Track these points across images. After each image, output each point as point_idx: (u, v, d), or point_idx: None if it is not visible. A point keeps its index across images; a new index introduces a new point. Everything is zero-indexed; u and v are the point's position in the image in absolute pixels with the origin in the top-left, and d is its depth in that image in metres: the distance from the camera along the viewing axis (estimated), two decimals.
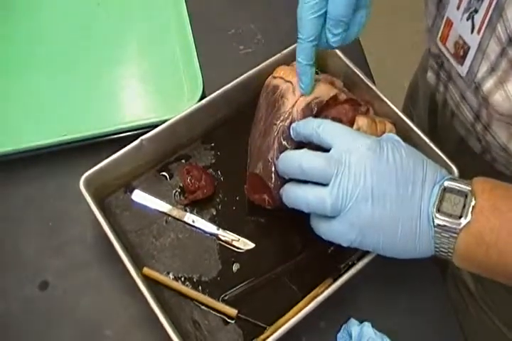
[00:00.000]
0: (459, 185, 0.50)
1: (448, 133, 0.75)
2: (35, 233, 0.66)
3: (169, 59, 0.75)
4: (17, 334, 0.61)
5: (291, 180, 0.55)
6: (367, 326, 0.59)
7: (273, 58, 0.66)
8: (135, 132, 0.67)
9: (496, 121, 0.56)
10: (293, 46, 0.66)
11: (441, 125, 0.80)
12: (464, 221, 0.48)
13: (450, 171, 0.60)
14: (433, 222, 0.49)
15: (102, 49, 0.76)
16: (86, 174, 0.61)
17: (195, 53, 0.71)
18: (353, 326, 0.59)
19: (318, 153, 0.52)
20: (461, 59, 0.54)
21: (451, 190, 0.49)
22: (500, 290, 0.76)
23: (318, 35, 0.55)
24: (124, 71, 0.75)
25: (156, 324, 0.55)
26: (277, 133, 0.58)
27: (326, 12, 0.54)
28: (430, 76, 0.64)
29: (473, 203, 0.48)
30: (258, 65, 0.66)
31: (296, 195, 0.53)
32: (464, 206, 0.48)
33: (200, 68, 0.70)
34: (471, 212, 0.48)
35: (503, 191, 0.50)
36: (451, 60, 0.56)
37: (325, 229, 0.52)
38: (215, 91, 0.65)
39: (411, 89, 0.95)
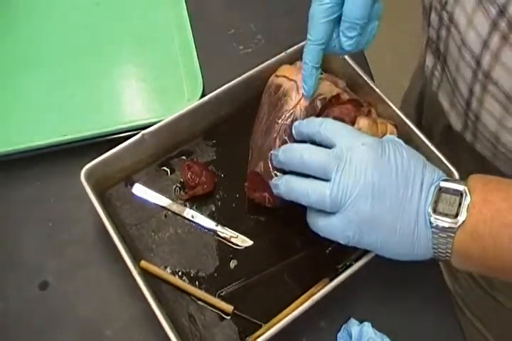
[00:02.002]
0: (454, 184, 0.50)
1: (432, 123, 0.75)
2: (35, 233, 0.66)
3: (169, 59, 0.75)
4: (17, 334, 0.61)
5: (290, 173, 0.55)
6: (367, 326, 0.59)
7: (277, 57, 0.66)
8: (135, 132, 0.66)
9: (500, 68, 0.54)
10: (297, 46, 0.66)
11: (426, 115, 0.80)
12: (460, 219, 0.48)
13: (451, 175, 0.60)
14: (430, 222, 0.49)
15: (102, 49, 0.76)
16: (87, 166, 0.61)
17: (195, 53, 0.71)
18: (353, 326, 0.59)
19: (321, 148, 0.52)
20: None
21: (447, 190, 0.50)
22: (475, 289, 0.77)
23: (327, 40, 0.55)
24: (124, 71, 0.75)
25: (155, 323, 0.55)
26: (279, 131, 0.58)
27: (339, 16, 0.53)
28: (434, 18, 0.63)
29: (468, 201, 0.48)
30: (259, 64, 0.66)
31: (296, 188, 0.53)
32: (460, 205, 0.49)
33: (200, 68, 0.70)
34: (467, 209, 0.48)
35: (495, 184, 0.50)
36: None
37: (323, 225, 0.52)
38: (216, 90, 0.65)
39: (405, 98, 0.95)
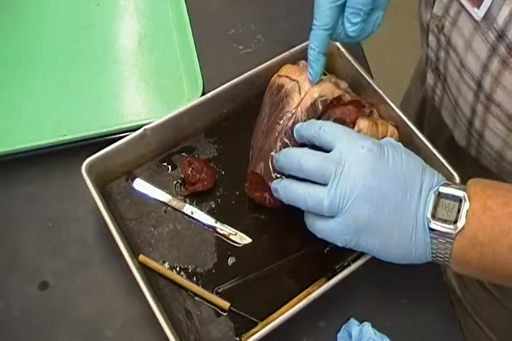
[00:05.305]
0: (453, 189, 0.49)
1: (435, 134, 0.75)
2: (35, 233, 0.66)
3: (169, 59, 0.75)
4: (17, 334, 0.61)
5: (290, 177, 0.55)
6: (367, 326, 0.59)
7: (281, 56, 0.66)
8: None
9: (501, 91, 0.54)
10: (301, 45, 0.66)
11: (428, 126, 0.80)
12: (459, 225, 0.48)
13: (451, 178, 0.60)
14: (429, 228, 0.49)
15: (102, 49, 0.76)
16: (88, 159, 0.61)
17: (195, 53, 0.71)
18: (353, 326, 0.59)
19: (319, 153, 0.52)
20: (477, 1, 0.51)
21: (446, 196, 0.49)
22: (485, 296, 0.76)
23: (333, 25, 0.55)
24: (124, 71, 0.75)
25: (154, 321, 0.55)
26: (280, 133, 0.58)
27: (344, 3, 0.54)
28: (432, 40, 0.63)
29: (467, 207, 0.48)
30: (259, 64, 0.66)
31: (294, 192, 0.53)
32: (459, 211, 0.48)
33: (200, 68, 0.70)
34: (466, 216, 0.48)
35: (493, 189, 0.49)
36: (465, 4, 0.53)
37: (321, 228, 0.52)
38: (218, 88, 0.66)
39: (404, 101, 0.95)
